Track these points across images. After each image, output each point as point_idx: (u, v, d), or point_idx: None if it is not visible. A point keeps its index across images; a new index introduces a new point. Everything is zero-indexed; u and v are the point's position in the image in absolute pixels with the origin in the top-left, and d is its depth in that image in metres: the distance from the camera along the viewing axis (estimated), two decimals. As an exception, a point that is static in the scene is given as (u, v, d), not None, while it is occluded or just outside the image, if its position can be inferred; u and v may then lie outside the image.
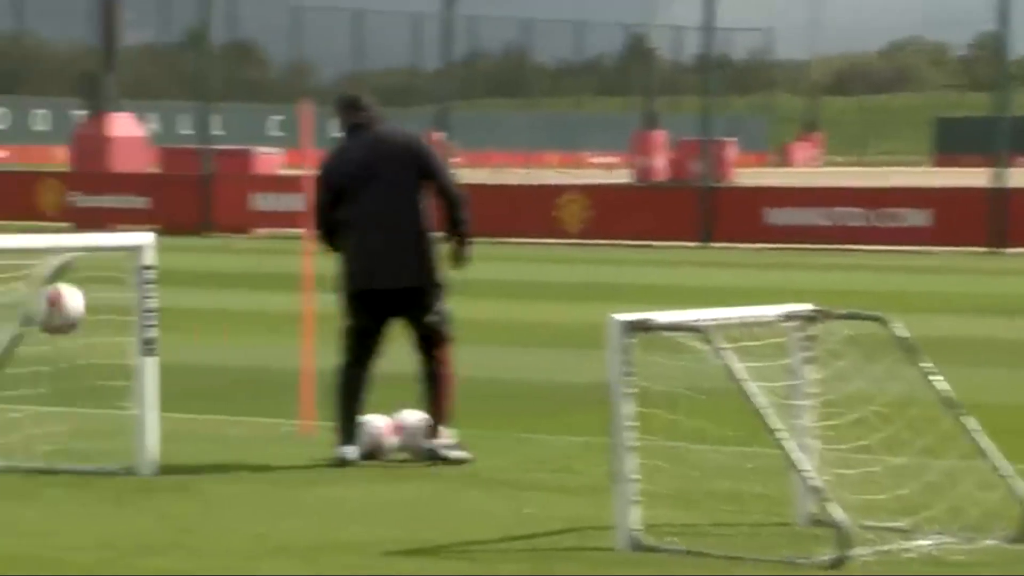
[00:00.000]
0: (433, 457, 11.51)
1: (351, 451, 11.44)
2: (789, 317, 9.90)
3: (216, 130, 44.90)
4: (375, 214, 11.56)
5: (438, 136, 36.74)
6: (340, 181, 11.67)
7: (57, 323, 11.19)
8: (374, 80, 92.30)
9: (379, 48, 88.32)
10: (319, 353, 12.83)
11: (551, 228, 36.83)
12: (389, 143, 11.72)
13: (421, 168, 11.62)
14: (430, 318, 11.61)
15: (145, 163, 43.31)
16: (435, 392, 11.62)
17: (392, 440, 11.72)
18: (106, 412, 11.66)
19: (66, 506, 10.25)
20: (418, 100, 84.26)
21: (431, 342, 11.65)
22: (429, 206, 11.67)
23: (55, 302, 11.13)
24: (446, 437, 11.56)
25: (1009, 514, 9.37)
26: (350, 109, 11.82)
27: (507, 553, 9.23)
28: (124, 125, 43.13)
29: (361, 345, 11.61)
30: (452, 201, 11.68)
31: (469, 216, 11.79)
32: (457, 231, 11.73)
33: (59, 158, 60.41)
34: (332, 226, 11.74)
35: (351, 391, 11.57)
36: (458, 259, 11.76)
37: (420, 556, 9.06)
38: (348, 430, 11.49)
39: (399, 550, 9.11)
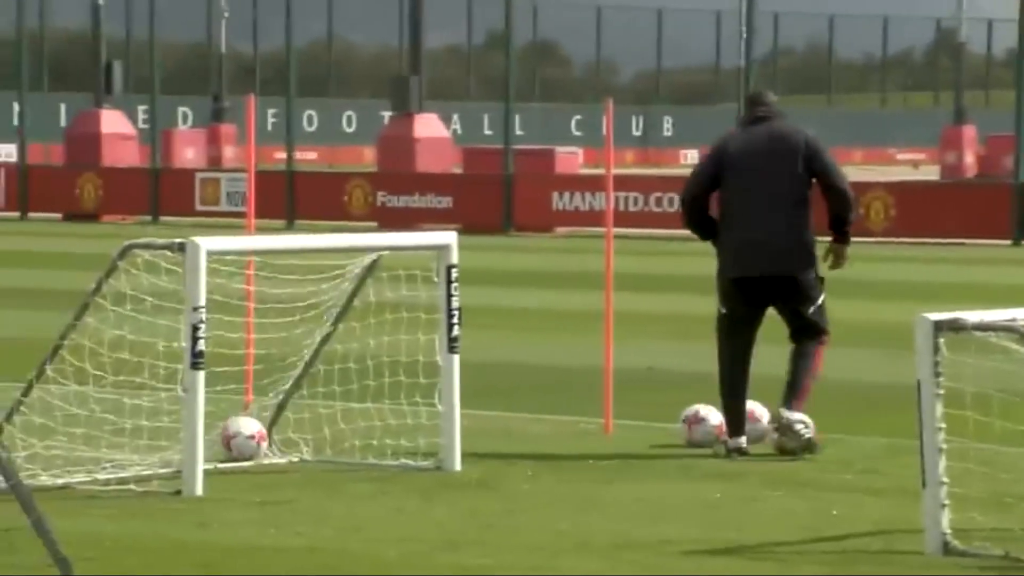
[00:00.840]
0: (787, 434, 11.62)
1: (741, 441, 11.64)
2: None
3: (518, 130, 45.05)
4: (759, 202, 11.73)
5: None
6: (729, 160, 11.82)
7: None
8: (675, 78, 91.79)
9: (680, 46, 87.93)
10: (620, 351, 12.81)
11: (854, 226, 36.13)
12: (783, 137, 11.84)
13: (811, 164, 11.74)
14: (807, 310, 11.77)
15: (449, 163, 43.62)
16: (799, 369, 11.73)
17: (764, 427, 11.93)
18: (410, 408, 11.76)
19: (373, 501, 10.35)
20: (720, 98, 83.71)
21: (807, 334, 11.81)
22: (812, 202, 11.83)
23: None
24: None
25: None
26: (753, 103, 12.28)
27: (812, 555, 9.14)
28: (429, 126, 43.48)
29: (737, 333, 11.82)
30: (840, 200, 11.83)
31: (854, 217, 12.02)
32: (840, 230, 11.94)
33: (366, 159, 61.12)
34: (701, 203, 11.94)
35: (733, 384, 11.74)
36: (837, 258, 11.93)
37: (722, 556, 9.00)
38: (735, 422, 11.69)
39: (699, 550, 9.07)
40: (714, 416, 11.97)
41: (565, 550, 9.12)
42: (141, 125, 53.17)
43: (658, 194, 37.59)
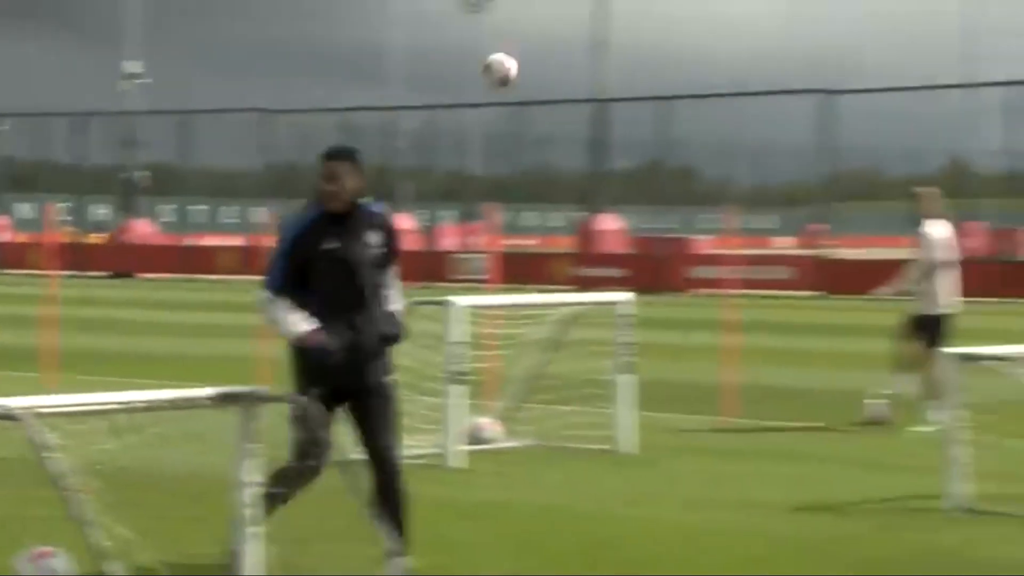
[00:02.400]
0: None
1: None
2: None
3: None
4: None
5: None
6: None
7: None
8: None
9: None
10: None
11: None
12: None
13: None
14: None
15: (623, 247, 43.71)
16: None
17: None
18: (599, 410, 11.71)
19: (575, 472, 10.34)
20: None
21: None
22: None
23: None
24: None
25: None
26: None
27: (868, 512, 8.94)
28: (610, 222, 43.75)
29: None
30: None
31: None
32: None
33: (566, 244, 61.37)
34: None
35: None
36: None
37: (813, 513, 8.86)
38: None
39: (794, 508, 8.92)
40: None
41: (704, 506, 9.06)
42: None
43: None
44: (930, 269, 12.88)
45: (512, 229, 52.02)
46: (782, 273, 38.39)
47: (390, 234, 6.88)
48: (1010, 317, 27.71)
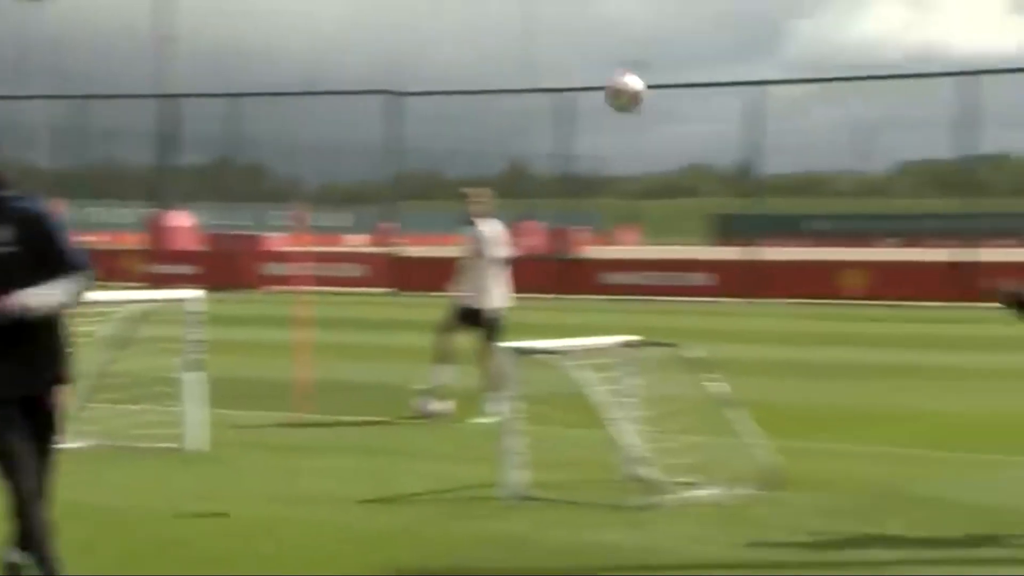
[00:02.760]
0: None
1: None
2: (620, 345, 9.99)
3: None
4: None
5: None
6: None
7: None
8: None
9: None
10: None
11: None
12: None
13: None
14: None
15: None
16: None
17: None
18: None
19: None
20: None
21: None
22: None
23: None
24: None
25: (763, 473, 9.50)
26: None
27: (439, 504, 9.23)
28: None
29: None
30: None
31: None
32: None
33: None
34: None
35: None
36: None
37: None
38: None
39: (364, 500, 9.10)
40: None
41: (275, 501, 9.10)
42: None
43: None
44: (481, 266, 13.35)
45: (80, 225, 50.19)
46: (354, 270, 38.83)
47: (29, 228, 5.81)
48: (565, 313, 29.07)
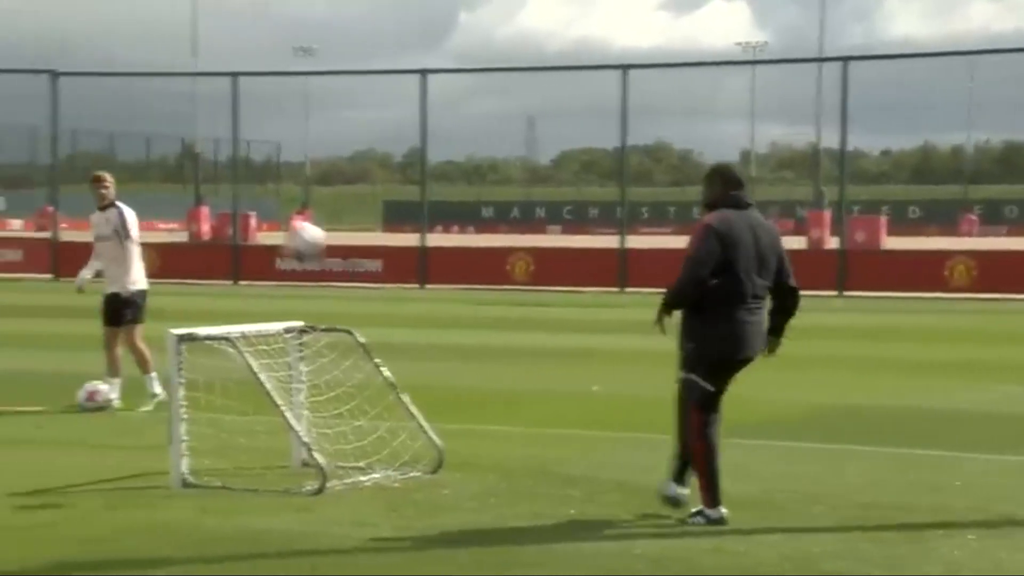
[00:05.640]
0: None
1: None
2: (288, 330, 9.90)
3: None
4: (756, 286, 8.15)
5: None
6: (732, 243, 8.10)
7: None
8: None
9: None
10: None
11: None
12: (768, 226, 8.35)
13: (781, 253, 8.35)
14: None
15: None
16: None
17: None
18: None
19: None
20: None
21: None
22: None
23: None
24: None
25: (429, 455, 9.59)
26: (740, 186, 8.30)
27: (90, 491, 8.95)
28: None
29: (716, 408, 8.17)
30: (797, 297, 8.39)
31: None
32: (785, 325, 8.38)
33: None
34: (706, 283, 8.02)
35: (717, 454, 8.15)
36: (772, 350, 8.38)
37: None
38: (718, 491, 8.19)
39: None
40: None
41: None
42: None
43: None
44: (117, 249, 13.09)
45: None
46: (12, 255, 37.26)
47: None
48: (238, 299, 28.60)
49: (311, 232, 10.77)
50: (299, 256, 10.98)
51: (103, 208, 13.10)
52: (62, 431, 11.45)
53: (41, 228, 45.49)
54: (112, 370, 12.86)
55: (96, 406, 12.53)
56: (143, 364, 12.81)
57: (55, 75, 38.00)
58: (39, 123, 42.25)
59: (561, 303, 28.94)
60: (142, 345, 12.87)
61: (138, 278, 13.08)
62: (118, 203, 13.13)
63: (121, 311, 12.98)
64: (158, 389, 12.51)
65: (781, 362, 8.90)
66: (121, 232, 12.95)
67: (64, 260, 35.63)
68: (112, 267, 13.02)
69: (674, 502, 8.26)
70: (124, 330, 12.96)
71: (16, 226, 64.97)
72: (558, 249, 39.28)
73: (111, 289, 13.07)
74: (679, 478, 8.28)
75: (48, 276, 35.41)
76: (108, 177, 13.27)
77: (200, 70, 58.02)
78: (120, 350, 12.96)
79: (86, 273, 13.36)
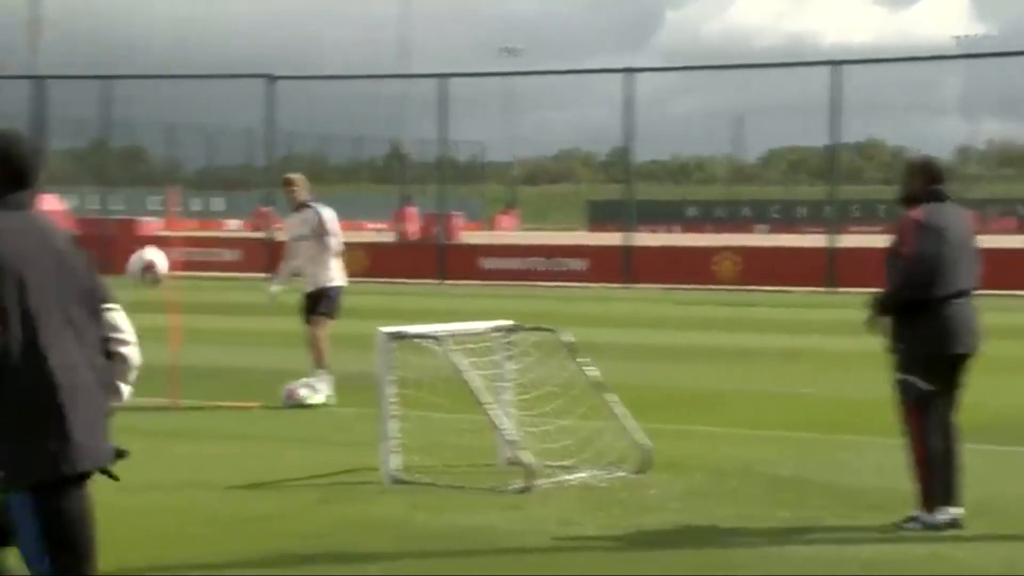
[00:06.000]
0: None
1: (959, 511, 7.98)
2: (495, 329, 10.00)
3: (115, 206, 43.63)
4: (966, 281, 7.98)
5: None
6: (947, 238, 7.93)
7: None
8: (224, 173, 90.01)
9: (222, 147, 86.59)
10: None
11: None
12: (967, 217, 8.28)
13: None
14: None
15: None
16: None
17: None
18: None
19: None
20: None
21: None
22: None
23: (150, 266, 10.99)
24: None
25: (634, 455, 9.57)
26: (941, 178, 8.11)
27: (311, 487, 9.17)
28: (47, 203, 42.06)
29: (936, 408, 7.95)
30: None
31: None
32: None
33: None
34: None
35: (947, 456, 7.94)
36: None
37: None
38: (948, 492, 7.95)
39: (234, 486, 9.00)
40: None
41: (144, 488, 8.95)
42: None
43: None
44: (312, 249, 13.37)
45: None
46: (230, 255, 38.40)
47: None
48: (444, 298, 29.04)
49: (145, 256, 11.08)
50: (138, 277, 11.35)
51: (297, 209, 13.47)
52: (277, 427, 11.77)
53: (257, 228, 46.79)
54: (319, 363, 13.15)
55: (296, 403, 12.86)
56: (319, 359, 13.14)
57: (272, 79, 39.08)
58: (255, 126, 43.45)
59: (769, 303, 28.57)
60: (324, 341, 13.21)
61: (336, 275, 13.38)
62: (312, 203, 13.47)
63: (327, 307, 13.28)
64: (327, 388, 12.90)
65: (999, 364, 8.64)
66: (319, 231, 13.28)
67: (279, 259, 36.63)
68: (310, 266, 13.34)
69: (952, 524, 7.85)
70: (312, 321, 13.24)
71: (234, 226, 67.01)
72: (766, 248, 38.77)
73: (311, 287, 13.37)
74: (945, 499, 7.90)
75: (264, 275, 36.41)
76: (296, 179, 13.65)
77: (409, 72, 59.02)
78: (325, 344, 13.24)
79: (275, 287, 13.71)
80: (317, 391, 12.91)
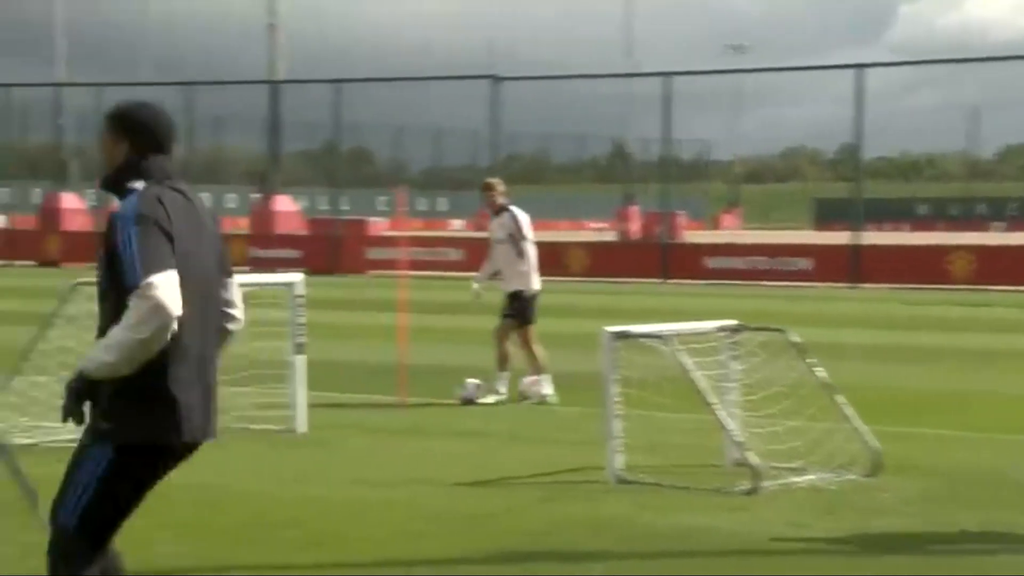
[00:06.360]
0: None
1: None
2: (721, 329, 9.89)
3: (344, 206, 44.82)
4: None
5: None
6: None
7: None
8: (449, 173, 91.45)
9: (450, 152, 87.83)
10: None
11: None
12: None
13: None
14: None
15: (298, 228, 43.44)
16: None
17: None
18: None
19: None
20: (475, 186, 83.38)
21: None
22: None
23: None
24: None
25: (864, 458, 9.35)
26: None
27: (536, 485, 9.21)
28: (285, 203, 43.29)
29: None
30: None
31: None
32: None
33: (242, 225, 60.37)
34: None
35: None
36: None
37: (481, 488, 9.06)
38: None
39: (463, 483, 9.12)
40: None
41: (373, 483, 9.12)
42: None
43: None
44: (510, 251, 13.45)
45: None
46: (455, 254, 38.94)
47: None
48: (668, 297, 28.89)
49: None
50: None
51: (497, 213, 13.63)
52: (501, 424, 11.86)
53: (481, 228, 47.35)
54: (532, 363, 13.27)
55: (535, 398, 12.97)
56: (503, 361, 13.24)
57: (496, 80, 39.49)
58: (479, 127, 43.96)
59: (1007, 303, 27.61)
60: (508, 344, 13.31)
61: (531, 280, 13.50)
62: (511, 207, 13.62)
63: (523, 309, 13.38)
64: (503, 390, 12.97)
65: None
66: (516, 235, 13.42)
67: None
68: (507, 269, 13.54)
69: None
70: (506, 325, 13.33)
71: (457, 226, 67.94)
72: (1003, 247, 37.48)
73: (510, 288, 13.49)
74: None
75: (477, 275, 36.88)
76: (496, 184, 13.80)
77: (633, 71, 58.89)
78: (510, 346, 13.34)
79: (476, 285, 13.87)
80: (499, 392, 13.03)
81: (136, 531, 6.19)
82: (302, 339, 11.25)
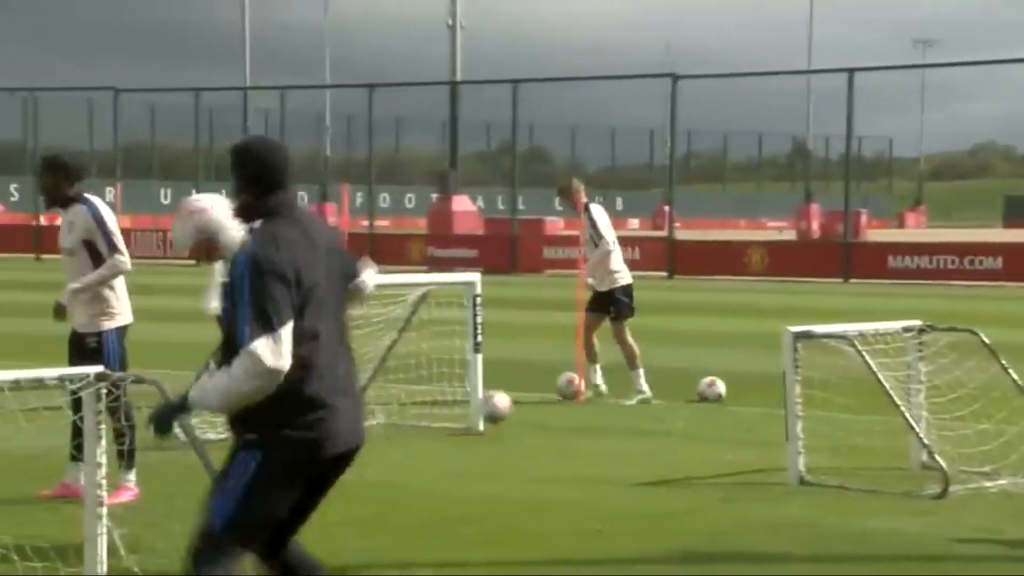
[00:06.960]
0: None
1: None
2: (907, 329, 9.66)
3: (520, 206, 45.19)
4: None
5: None
6: None
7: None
8: (623, 172, 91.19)
9: (624, 150, 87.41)
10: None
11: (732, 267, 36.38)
12: None
13: None
14: None
15: (476, 227, 43.74)
16: None
17: None
18: (448, 389, 11.73)
19: (420, 447, 10.33)
20: (654, 185, 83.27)
21: None
22: None
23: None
24: None
25: (1060, 464, 9.04)
26: None
27: (719, 485, 9.12)
28: (462, 203, 43.64)
29: None
30: None
31: None
32: None
33: (421, 225, 61.18)
34: None
35: None
36: None
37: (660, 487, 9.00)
38: None
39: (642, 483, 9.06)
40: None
41: (550, 481, 9.13)
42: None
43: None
44: (599, 250, 13.35)
45: (361, 210, 51.74)
46: (630, 254, 38.81)
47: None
48: (850, 296, 28.39)
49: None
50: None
51: (584, 211, 13.56)
52: (677, 423, 11.77)
53: (657, 227, 47.19)
54: (591, 357, 13.35)
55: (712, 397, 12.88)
56: (631, 359, 13.15)
57: (675, 78, 39.26)
58: (656, 125, 43.79)
59: None
60: (630, 341, 13.24)
61: (618, 277, 13.43)
62: (590, 206, 13.54)
63: (619, 306, 13.39)
64: (645, 388, 12.83)
65: None
66: (594, 236, 13.38)
67: (680, 258, 36.76)
68: (596, 269, 13.45)
69: None
70: (615, 327, 13.39)
71: (633, 225, 67.79)
72: None
73: (602, 287, 13.49)
74: None
75: (663, 274, 36.64)
76: (575, 185, 13.69)
77: (814, 67, 58.04)
78: (594, 340, 13.39)
79: (592, 280, 13.87)
80: (642, 391, 12.98)
81: (325, 527, 6.30)
82: (480, 338, 11.31)
